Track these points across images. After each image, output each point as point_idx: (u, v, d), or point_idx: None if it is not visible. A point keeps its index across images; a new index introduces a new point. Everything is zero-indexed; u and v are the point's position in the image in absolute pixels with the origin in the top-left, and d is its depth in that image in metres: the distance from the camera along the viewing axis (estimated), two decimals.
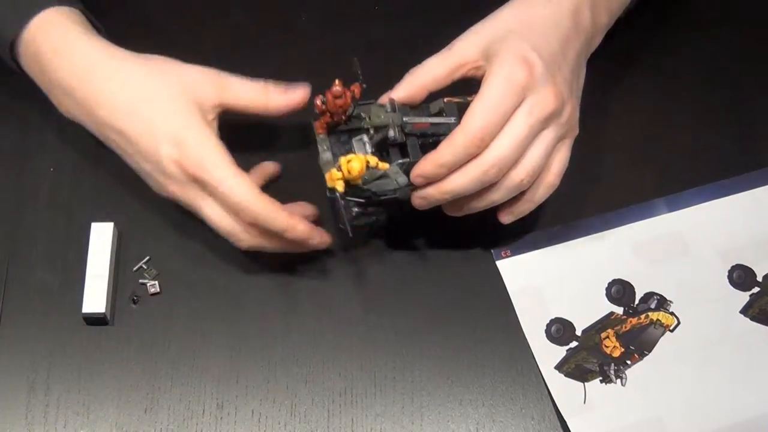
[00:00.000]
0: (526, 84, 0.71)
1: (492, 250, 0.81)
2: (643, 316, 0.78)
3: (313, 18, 0.93)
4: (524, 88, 0.71)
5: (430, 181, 0.72)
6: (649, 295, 0.79)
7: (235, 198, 0.71)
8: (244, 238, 0.74)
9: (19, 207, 0.82)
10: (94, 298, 0.77)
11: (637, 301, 0.79)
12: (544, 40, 0.74)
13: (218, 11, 0.92)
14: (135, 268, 0.80)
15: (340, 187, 0.72)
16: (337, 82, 0.71)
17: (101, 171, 0.83)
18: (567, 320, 0.78)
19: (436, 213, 0.76)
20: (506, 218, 0.77)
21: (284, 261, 0.79)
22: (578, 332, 0.77)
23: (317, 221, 0.79)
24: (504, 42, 0.73)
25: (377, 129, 0.73)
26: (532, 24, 0.75)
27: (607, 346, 0.77)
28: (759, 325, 0.77)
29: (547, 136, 0.73)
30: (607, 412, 0.74)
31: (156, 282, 0.79)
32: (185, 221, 0.78)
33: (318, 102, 0.72)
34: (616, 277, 0.80)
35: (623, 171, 0.85)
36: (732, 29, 0.92)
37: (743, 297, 0.79)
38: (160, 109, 0.73)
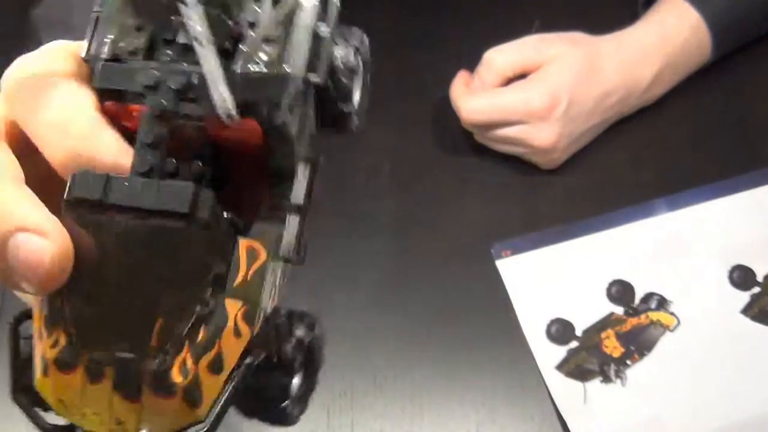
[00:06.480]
0: (538, 115, 0.78)
1: (492, 250, 0.81)
2: (643, 316, 0.78)
3: None
4: (532, 116, 0.78)
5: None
6: (649, 295, 0.79)
7: None
8: None
9: None
10: None
11: (637, 301, 0.79)
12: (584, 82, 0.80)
13: None
14: None
15: None
16: None
17: None
18: (567, 320, 0.78)
19: (435, 213, 0.76)
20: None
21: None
22: (578, 332, 0.77)
23: None
24: (554, 60, 0.80)
25: None
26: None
27: (607, 346, 0.77)
28: (759, 325, 0.77)
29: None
30: (607, 412, 0.74)
31: None
32: None
33: None
34: (616, 277, 0.80)
35: (623, 171, 0.85)
36: None
37: (743, 297, 0.79)
38: None
